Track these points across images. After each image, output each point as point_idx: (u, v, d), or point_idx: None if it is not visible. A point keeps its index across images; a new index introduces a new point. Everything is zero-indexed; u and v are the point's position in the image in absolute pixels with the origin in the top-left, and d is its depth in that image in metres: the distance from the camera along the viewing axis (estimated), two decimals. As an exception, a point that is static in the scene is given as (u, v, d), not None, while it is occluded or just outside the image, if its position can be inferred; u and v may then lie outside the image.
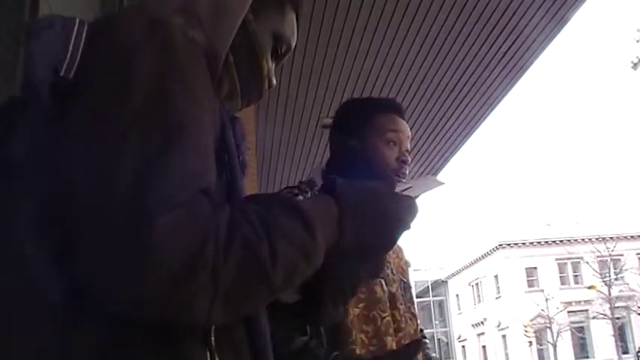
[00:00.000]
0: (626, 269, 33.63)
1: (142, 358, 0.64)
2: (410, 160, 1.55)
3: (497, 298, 38.58)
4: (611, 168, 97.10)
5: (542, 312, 33.88)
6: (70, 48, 0.70)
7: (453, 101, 6.07)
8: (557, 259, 37.51)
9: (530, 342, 33.78)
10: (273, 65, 0.97)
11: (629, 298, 33.06)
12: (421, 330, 1.80)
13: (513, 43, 5.11)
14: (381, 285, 1.50)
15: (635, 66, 38.30)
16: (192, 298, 0.61)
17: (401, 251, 1.69)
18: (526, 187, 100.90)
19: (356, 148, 1.52)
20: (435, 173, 8.24)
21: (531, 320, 34.02)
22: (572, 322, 35.37)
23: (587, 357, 36.04)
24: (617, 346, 32.29)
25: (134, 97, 0.66)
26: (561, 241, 37.32)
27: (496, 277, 38.69)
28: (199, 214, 0.63)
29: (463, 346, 44.61)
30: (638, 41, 37.57)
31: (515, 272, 37.10)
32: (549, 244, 37.75)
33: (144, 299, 0.61)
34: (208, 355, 0.68)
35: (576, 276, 37.36)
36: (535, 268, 37.42)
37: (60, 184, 0.65)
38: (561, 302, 34.88)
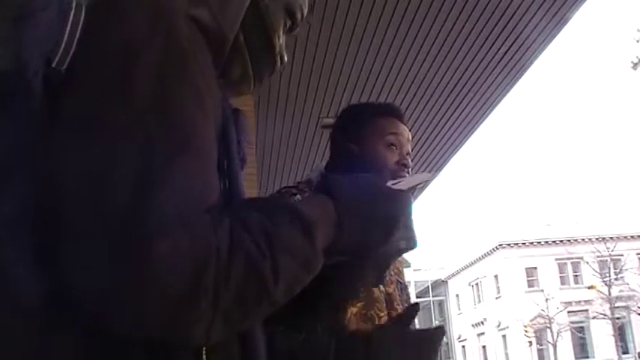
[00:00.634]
0: (626, 269, 33.64)
1: None
2: (411, 163, 1.56)
3: (497, 298, 38.60)
4: (611, 168, 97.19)
5: (542, 312, 33.89)
6: (65, 37, 0.63)
7: (453, 101, 6.07)
8: (557, 259, 37.52)
9: (530, 342, 33.81)
10: (284, 39, 0.90)
11: (629, 298, 33.07)
12: None
13: (513, 43, 5.11)
14: (379, 285, 1.51)
15: (635, 66, 38.30)
16: (192, 322, 0.58)
17: None
18: (526, 187, 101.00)
19: (356, 151, 1.53)
20: (436, 173, 8.24)
21: (531, 320, 34.03)
22: (572, 322, 35.38)
23: (587, 357, 36.05)
24: (617, 346, 32.31)
25: (137, 98, 0.61)
26: (561, 241, 37.34)
27: (496, 277, 38.70)
28: (201, 237, 0.58)
29: (463, 346, 44.63)
30: (638, 41, 37.57)
31: (515, 272, 37.11)
32: (549, 244, 37.76)
33: (142, 322, 0.57)
34: None
35: (576, 276, 37.37)
36: (535, 268, 37.43)
37: (46, 184, 0.59)
38: (561, 302, 34.90)
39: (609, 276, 32.75)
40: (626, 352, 34.38)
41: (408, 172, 1.54)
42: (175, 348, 0.63)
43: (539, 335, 34.83)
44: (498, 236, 38.71)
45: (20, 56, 0.63)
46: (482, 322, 40.89)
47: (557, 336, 33.45)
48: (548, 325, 33.66)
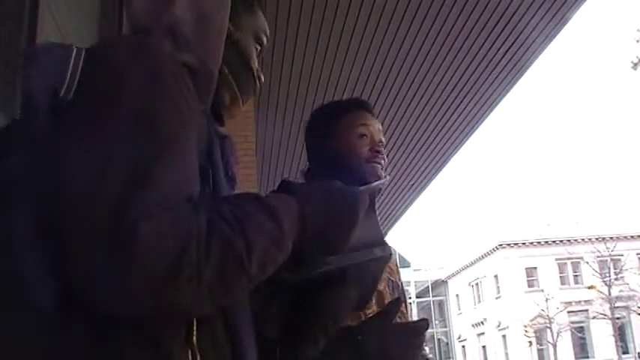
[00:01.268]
0: (626, 269, 33.60)
1: (128, 358, 0.68)
2: (384, 149, 1.61)
3: (497, 298, 38.59)
4: (611, 168, 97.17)
5: (542, 312, 33.88)
6: (69, 71, 0.75)
7: (454, 101, 6.07)
8: (557, 259, 37.50)
9: (530, 342, 33.80)
10: (258, 62, 1.05)
11: (629, 298, 33.05)
12: None
13: (513, 43, 5.12)
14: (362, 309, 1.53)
15: (635, 66, 38.30)
16: (178, 296, 0.66)
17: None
18: (526, 187, 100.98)
19: (330, 147, 1.58)
20: (436, 173, 8.24)
21: (531, 320, 34.03)
22: (572, 322, 35.36)
23: (587, 357, 36.03)
24: (617, 346, 32.30)
25: (124, 111, 0.72)
26: (561, 241, 37.32)
27: (496, 277, 38.69)
28: (183, 219, 0.68)
29: (463, 346, 44.63)
30: (638, 41, 37.57)
31: (515, 272, 37.10)
32: (549, 244, 37.75)
33: (132, 300, 0.66)
34: (190, 353, 0.72)
35: (576, 276, 37.35)
36: (535, 268, 37.42)
37: (52, 191, 0.68)
38: (561, 302, 34.88)
39: (609, 276, 32.74)
40: (626, 352, 34.36)
41: (383, 159, 1.59)
42: (169, 336, 0.71)
43: (539, 335, 34.82)
44: (498, 236, 38.69)
45: (28, 91, 0.76)
46: (482, 322, 40.89)
47: (557, 336, 33.43)
48: (548, 325, 33.65)
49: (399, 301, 1.30)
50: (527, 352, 34.51)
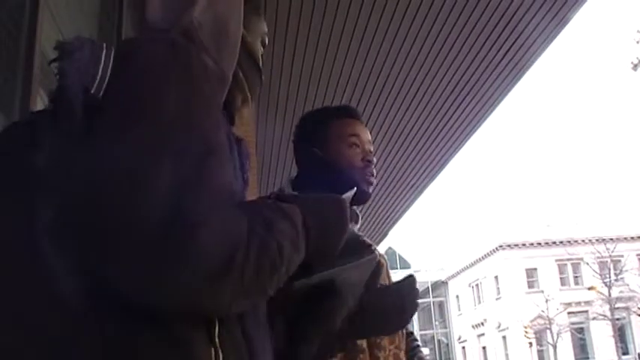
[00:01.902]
0: (626, 270, 33.64)
1: (150, 357, 0.69)
2: (374, 160, 1.63)
3: (497, 299, 38.60)
4: (611, 169, 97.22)
5: (542, 313, 33.90)
6: (100, 68, 0.76)
7: (454, 101, 6.07)
8: (557, 260, 37.52)
9: (531, 343, 33.78)
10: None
11: (629, 299, 33.07)
12: (411, 333, 1.82)
13: (514, 43, 5.12)
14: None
15: (635, 67, 38.32)
16: (225, 296, 0.70)
17: (379, 256, 1.74)
18: (526, 187, 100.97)
19: (320, 155, 1.59)
20: (436, 174, 8.24)
21: (531, 321, 34.04)
22: (572, 323, 35.38)
23: (587, 358, 36.04)
24: (617, 347, 32.29)
25: (166, 113, 0.72)
26: (561, 242, 37.33)
27: (496, 278, 38.71)
28: (232, 223, 0.70)
29: (463, 347, 44.62)
30: (638, 42, 37.58)
31: (515, 273, 37.12)
32: (549, 245, 37.76)
33: (181, 299, 0.68)
34: (213, 352, 0.73)
35: (576, 277, 37.37)
36: (535, 269, 37.44)
37: (83, 192, 0.67)
38: (561, 303, 34.91)
39: (609, 277, 32.74)
40: (626, 353, 34.38)
41: (374, 169, 1.61)
42: (193, 336, 0.72)
43: (540, 336, 34.83)
44: (498, 237, 38.71)
45: (62, 85, 0.76)
46: (482, 323, 40.89)
47: (557, 337, 33.44)
48: (549, 326, 33.66)
49: (378, 262, 1.31)
50: (527, 353, 34.50)
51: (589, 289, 32.94)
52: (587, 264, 34.42)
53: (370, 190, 1.58)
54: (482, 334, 41.32)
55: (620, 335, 33.99)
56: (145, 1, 0.89)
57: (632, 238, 36.75)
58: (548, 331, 33.95)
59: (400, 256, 46.46)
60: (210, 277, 0.67)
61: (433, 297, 47.70)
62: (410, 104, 5.95)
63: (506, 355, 37.61)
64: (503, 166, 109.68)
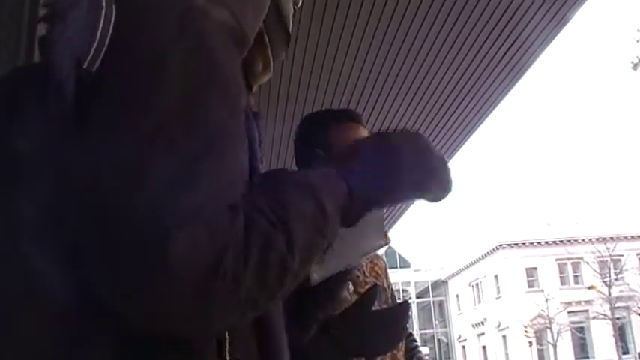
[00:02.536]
0: (627, 269, 33.66)
1: None
2: None
3: (497, 298, 38.61)
4: (611, 168, 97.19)
5: (542, 312, 33.91)
6: (97, 38, 0.62)
7: (453, 101, 6.07)
8: (557, 259, 37.54)
9: (531, 342, 33.82)
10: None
11: (629, 298, 33.08)
12: (410, 334, 1.83)
13: (513, 43, 5.12)
14: (348, 287, 1.56)
15: (635, 66, 38.31)
16: (216, 308, 0.59)
17: (376, 257, 1.78)
18: (526, 187, 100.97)
19: (322, 155, 1.58)
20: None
21: (531, 320, 34.05)
22: (572, 323, 35.39)
23: (587, 357, 36.05)
24: (617, 346, 32.32)
25: (164, 102, 0.61)
26: (561, 241, 37.35)
27: (496, 277, 38.71)
28: (220, 228, 0.59)
29: (463, 347, 44.64)
30: (638, 41, 37.57)
31: (515, 272, 37.12)
32: (549, 244, 37.77)
33: (165, 315, 0.58)
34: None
35: (576, 276, 37.39)
36: (535, 268, 37.45)
37: (71, 184, 0.60)
38: (561, 302, 34.91)
39: (609, 276, 32.76)
40: (626, 352, 34.39)
41: None
42: (199, 351, 0.64)
43: (540, 335, 34.85)
44: (498, 236, 38.72)
45: (51, 57, 0.64)
46: (482, 322, 40.91)
47: (557, 336, 33.46)
48: (549, 326, 33.67)
49: (376, 287, 1.30)
50: (527, 352, 34.52)
51: (589, 288, 32.99)
52: (587, 263, 34.44)
53: None
54: (482, 334, 41.33)
55: (620, 334, 34.00)
56: None
57: (632, 237, 36.75)
58: (548, 330, 33.97)
59: (400, 255, 46.44)
60: (193, 289, 0.56)
61: (433, 296, 47.73)
62: (410, 103, 5.95)
63: (506, 354, 37.62)
64: (503, 166, 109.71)
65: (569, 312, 35.23)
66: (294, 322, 0.98)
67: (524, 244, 37.96)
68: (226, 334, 0.66)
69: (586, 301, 35.06)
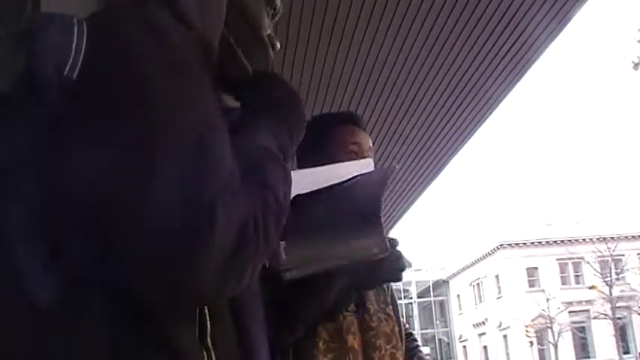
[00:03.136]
0: (628, 269, 33.65)
1: (140, 358, 0.65)
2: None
3: (498, 298, 38.61)
4: (611, 168, 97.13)
5: (543, 312, 33.90)
6: (73, 48, 0.68)
7: (454, 101, 6.07)
8: (558, 259, 37.52)
9: (532, 342, 33.81)
10: (271, 27, 0.97)
11: (631, 298, 33.09)
12: (410, 334, 1.82)
13: (514, 43, 5.11)
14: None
15: (636, 66, 38.29)
16: (245, 271, 0.67)
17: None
18: (526, 187, 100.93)
19: (319, 161, 1.57)
20: (437, 173, 8.24)
21: (532, 320, 34.05)
22: (573, 322, 35.37)
23: (589, 357, 36.04)
24: (618, 346, 32.30)
25: (150, 99, 0.66)
26: (562, 241, 37.34)
27: (497, 277, 38.72)
28: (242, 200, 0.66)
29: (464, 346, 44.64)
30: (639, 41, 37.56)
31: (516, 272, 37.12)
32: (550, 244, 37.76)
33: (201, 285, 0.63)
34: (205, 354, 0.69)
35: (577, 276, 37.38)
36: (536, 268, 37.44)
37: (60, 186, 0.64)
38: (562, 302, 34.88)
39: (610, 276, 32.76)
40: (627, 352, 34.38)
41: None
42: (184, 336, 0.68)
43: (541, 335, 34.85)
44: (499, 236, 38.72)
45: (32, 67, 0.68)
46: (483, 322, 40.91)
47: (558, 336, 33.45)
48: (550, 325, 33.66)
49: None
50: (528, 352, 34.51)
51: (590, 288, 32.98)
52: (588, 263, 34.42)
53: None
54: (484, 333, 41.33)
55: (622, 334, 33.98)
56: None
57: (633, 237, 36.74)
58: (549, 330, 33.96)
59: (401, 256, 46.35)
60: (231, 255, 0.63)
61: (434, 296, 47.73)
62: (411, 103, 5.95)
63: (507, 354, 37.62)
64: (504, 165, 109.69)
65: (570, 312, 35.21)
66: (279, 322, 1.00)
67: (525, 244, 37.95)
68: (207, 322, 0.71)
69: (587, 301, 35.04)
